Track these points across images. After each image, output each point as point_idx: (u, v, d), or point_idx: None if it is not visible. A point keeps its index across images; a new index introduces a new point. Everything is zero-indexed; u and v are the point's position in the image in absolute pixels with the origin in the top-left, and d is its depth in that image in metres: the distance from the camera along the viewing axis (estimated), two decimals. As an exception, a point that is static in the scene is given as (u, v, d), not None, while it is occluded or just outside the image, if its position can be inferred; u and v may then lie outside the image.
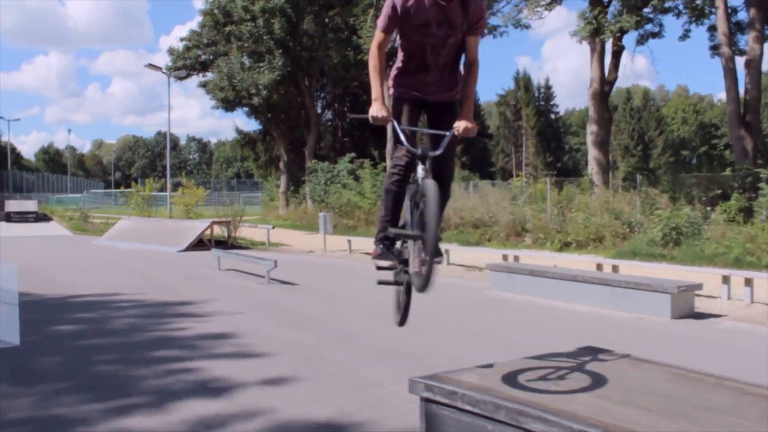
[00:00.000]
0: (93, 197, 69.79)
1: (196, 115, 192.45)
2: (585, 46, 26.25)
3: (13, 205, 37.08)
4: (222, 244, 21.95)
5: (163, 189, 33.13)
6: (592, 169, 25.84)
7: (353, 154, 31.35)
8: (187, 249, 20.34)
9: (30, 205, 37.48)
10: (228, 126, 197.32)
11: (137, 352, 7.26)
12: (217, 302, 10.58)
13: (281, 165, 40.11)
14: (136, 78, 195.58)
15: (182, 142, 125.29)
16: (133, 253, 19.82)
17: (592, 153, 26.48)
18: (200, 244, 20.93)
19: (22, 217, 35.15)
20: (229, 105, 39.88)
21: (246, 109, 42.47)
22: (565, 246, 19.17)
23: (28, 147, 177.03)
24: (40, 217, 35.89)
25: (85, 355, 7.16)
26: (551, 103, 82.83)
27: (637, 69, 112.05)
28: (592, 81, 26.12)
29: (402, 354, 7.06)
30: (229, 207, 25.29)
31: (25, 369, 6.56)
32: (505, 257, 14.73)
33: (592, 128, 26.64)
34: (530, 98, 79.48)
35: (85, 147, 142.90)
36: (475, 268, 15.23)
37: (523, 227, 21.93)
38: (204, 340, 7.83)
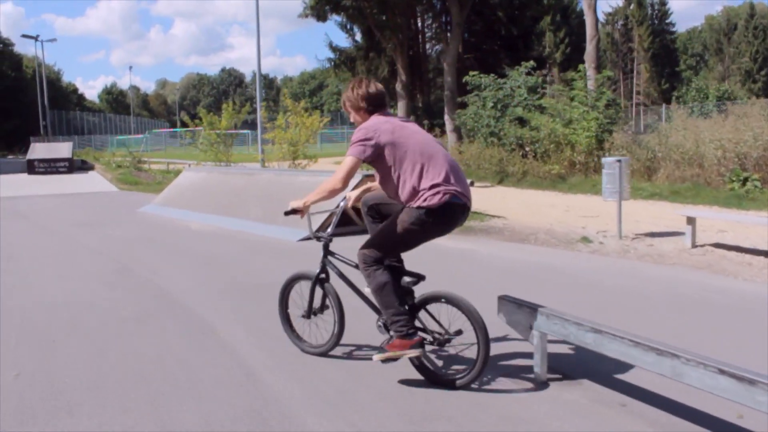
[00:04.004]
0: (156, 138, 60.44)
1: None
2: None
3: (38, 151, 25.46)
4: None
5: (245, 125, 21.18)
6: None
7: (532, 63, 19.40)
8: (322, 233, 9.18)
9: (61, 150, 25.63)
10: (290, 64, 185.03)
11: None
12: None
13: (398, 86, 28.23)
14: (197, 18, 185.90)
15: (247, 78, 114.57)
16: (208, 246, 8.66)
17: None
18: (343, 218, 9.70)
19: (50, 166, 23.93)
20: (321, 9, 28.18)
21: (339, 18, 30.69)
22: None
23: (96, 92, 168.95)
24: (77, 166, 24.84)
25: None
26: (667, 21, 68.16)
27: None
28: None
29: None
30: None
31: None
32: None
33: None
34: (644, 16, 65.11)
35: (150, 89, 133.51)
36: None
37: None
38: None
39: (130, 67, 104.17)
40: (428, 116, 27.81)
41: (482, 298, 4.23)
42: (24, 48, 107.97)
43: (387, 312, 3.65)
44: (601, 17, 68.21)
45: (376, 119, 3.73)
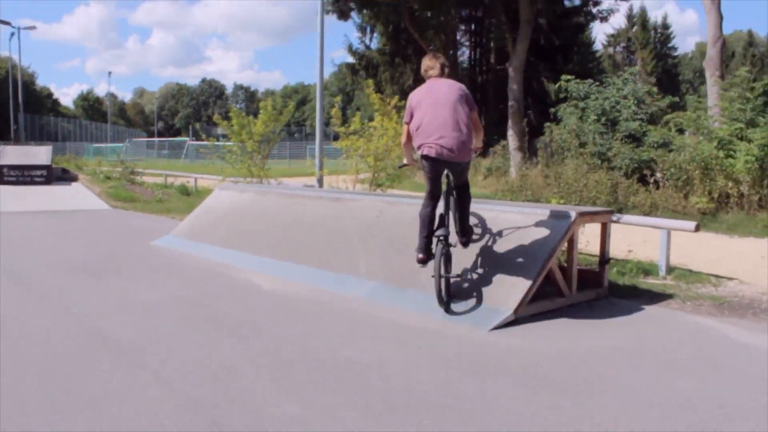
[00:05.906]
0: (136, 147, 56.01)
1: (236, 67, 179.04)
2: None
3: (9, 155, 20.11)
4: (592, 282, 6.23)
5: (277, 133, 15.91)
6: None
7: (636, 69, 15.63)
8: (517, 317, 5.11)
9: (38, 156, 20.27)
10: (268, 79, 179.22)
11: None
12: None
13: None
14: (175, 30, 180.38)
15: (228, 90, 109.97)
16: (337, 342, 4.26)
17: None
18: (540, 293, 5.48)
19: (24, 174, 18.88)
20: (346, 4, 24.36)
21: (362, 14, 26.75)
22: None
23: (69, 99, 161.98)
24: (56, 175, 19.96)
25: None
26: (669, 45, 65.45)
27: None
28: None
29: None
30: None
31: None
32: None
33: None
34: (647, 39, 62.28)
35: (126, 98, 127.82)
36: None
37: None
38: None
39: (109, 73, 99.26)
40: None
41: None
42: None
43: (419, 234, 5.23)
44: (603, 39, 65.18)
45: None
